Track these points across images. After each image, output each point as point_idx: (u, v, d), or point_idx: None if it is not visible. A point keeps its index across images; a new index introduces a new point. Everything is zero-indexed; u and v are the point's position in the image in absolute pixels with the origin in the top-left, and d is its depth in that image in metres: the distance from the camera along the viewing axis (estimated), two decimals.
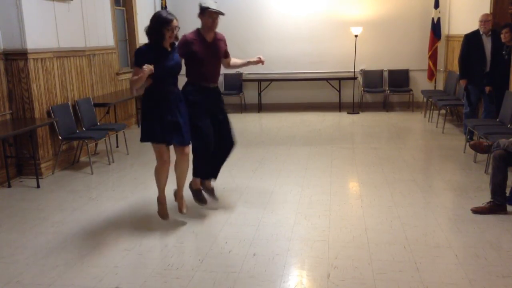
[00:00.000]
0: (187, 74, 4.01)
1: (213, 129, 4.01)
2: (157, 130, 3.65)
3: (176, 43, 3.77)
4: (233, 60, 4.29)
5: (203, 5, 3.84)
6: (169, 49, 3.68)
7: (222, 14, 3.86)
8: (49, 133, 5.56)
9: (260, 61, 4.19)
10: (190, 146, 3.86)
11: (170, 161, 3.80)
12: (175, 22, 3.58)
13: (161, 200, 3.93)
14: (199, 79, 3.97)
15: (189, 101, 3.86)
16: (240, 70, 9.51)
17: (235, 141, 4.22)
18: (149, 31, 3.61)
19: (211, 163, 4.14)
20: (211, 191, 4.35)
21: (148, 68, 3.45)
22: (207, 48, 3.94)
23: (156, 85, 3.67)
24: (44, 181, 5.25)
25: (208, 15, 3.85)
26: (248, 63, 4.28)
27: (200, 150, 3.94)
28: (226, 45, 4.14)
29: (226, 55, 4.19)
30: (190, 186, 4.22)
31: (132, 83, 3.56)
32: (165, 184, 3.89)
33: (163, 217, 3.93)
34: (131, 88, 3.71)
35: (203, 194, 4.24)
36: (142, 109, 3.77)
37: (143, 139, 3.72)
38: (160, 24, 3.54)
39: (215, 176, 4.34)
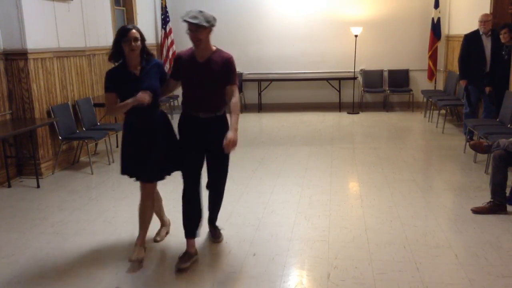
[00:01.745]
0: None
1: (207, 166, 3.33)
2: (123, 162, 3.28)
3: (154, 61, 3.24)
4: (233, 100, 3.21)
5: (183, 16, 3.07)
6: (138, 72, 3.15)
7: (202, 25, 3.02)
8: (49, 133, 5.56)
9: (228, 143, 3.07)
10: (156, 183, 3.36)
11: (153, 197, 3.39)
12: (134, 33, 3.07)
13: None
14: (187, 107, 3.25)
15: (178, 130, 3.30)
16: (240, 70, 9.53)
17: (221, 189, 3.48)
18: (111, 50, 3.16)
19: (198, 213, 3.30)
20: (213, 230, 3.64)
21: (143, 97, 3.03)
22: (195, 69, 3.15)
23: (126, 115, 3.21)
24: (44, 181, 5.25)
25: (188, 28, 3.05)
26: (231, 123, 3.18)
27: (184, 192, 3.26)
28: (227, 70, 3.18)
29: (227, 81, 3.20)
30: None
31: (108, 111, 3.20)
32: (158, 212, 3.61)
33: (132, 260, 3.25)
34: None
35: (187, 256, 3.22)
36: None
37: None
38: (118, 36, 3.11)
39: (210, 219, 3.61)
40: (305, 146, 6.54)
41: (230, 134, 3.07)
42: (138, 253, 3.21)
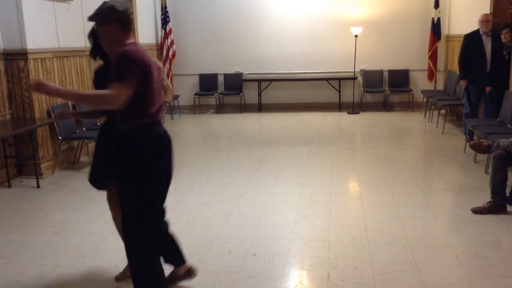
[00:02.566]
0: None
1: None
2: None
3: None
4: None
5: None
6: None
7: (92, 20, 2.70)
8: (49, 133, 5.56)
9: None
10: None
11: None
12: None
13: None
14: (151, 118, 2.51)
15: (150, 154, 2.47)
16: (240, 70, 9.54)
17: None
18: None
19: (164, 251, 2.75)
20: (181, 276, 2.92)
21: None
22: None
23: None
24: (44, 181, 5.25)
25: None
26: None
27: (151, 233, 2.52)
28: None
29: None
30: None
31: None
32: None
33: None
34: None
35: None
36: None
37: None
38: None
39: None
40: (305, 146, 6.54)
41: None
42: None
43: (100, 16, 2.56)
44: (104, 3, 2.56)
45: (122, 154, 2.45)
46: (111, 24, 2.55)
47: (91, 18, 2.57)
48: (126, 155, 2.44)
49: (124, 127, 2.46)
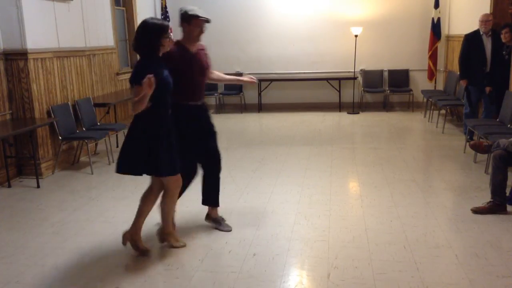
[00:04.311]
0: (173, 93, 3.28)
1: (204, 149, 3.64)
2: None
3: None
4: (218, 74, 3.82)
5: (190, 12, 3.38)
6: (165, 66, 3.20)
7: (209, 21, 3.46)
8: (49, 133, 5.56)
9: (252, 82, 3.82)
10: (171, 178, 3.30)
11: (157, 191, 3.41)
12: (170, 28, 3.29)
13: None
14: (186, 98, 3.45)
15: (179, 127, 3.35)
16: (240, 70, 9.52)
17: (220, 158, 3.72)
18: (144, 42, 3.08)
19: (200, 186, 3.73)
20: (217, 221, 3.82)
21: (149, 79, 2.89)
22: (191, 60, 3.46)
23: (155, 107, 3.15)
24: (44, 181, 5.25)
25: (196, 24, 3.40)
26: (238, 81, 4.07)
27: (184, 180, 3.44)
28: (208, 56, 3.67)
29: (209, 67, 3.68)
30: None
31: (136, 106, 3.00)
32: (167, 214, 3.45)
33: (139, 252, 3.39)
34: (134, 109, 3.05)
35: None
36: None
37: None
38: (159, 32, 3.07)
39: (211, 202, 3.82)
40: (305, 146, 6.54)
41: (246, 76, 3.71)
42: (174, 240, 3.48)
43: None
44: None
45: (210, 116, 3.69)
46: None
47: (208, 20, 3.44)
48: (210, 118, 3.69)
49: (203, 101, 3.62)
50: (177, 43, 3.46)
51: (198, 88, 3.54)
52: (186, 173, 3.46)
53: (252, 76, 3.85)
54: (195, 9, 3.42)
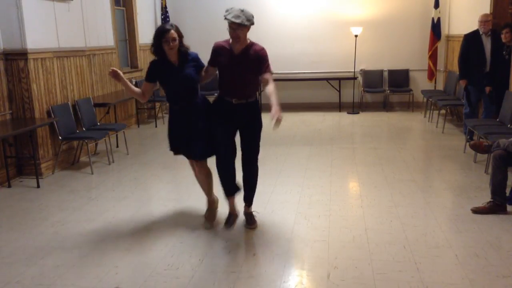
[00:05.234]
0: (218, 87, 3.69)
1: (240, 139, 3.72)
2: (170, 141, 3.80)
3: (191, 55, 3.60)
4: (269, 87, 3.52)
5: (224, 13, 3.40)
6: (177, 63, 3.54)
7: (244, 24, 3.34)
8: (49, 133, 5.56)
9: (276, 120, 3.45)
10: (206, 161, 3.77)
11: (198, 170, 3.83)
12: (172, 33, 3.40)
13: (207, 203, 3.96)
14: (222, 93, 3.66)
15: (211, 110, 3.69)
16: None
17: (254, 167, 3.81)
18: (152, 47, 3.52)
19: (230, 176, 3.76)
20: (248, 216, 3.87)
21: (111, 71, 3.51)
22: (232, 60, 3.51)
23: (168, 101, 3.74)
24: (44, 181, 5.25)
25: (228, 25, 3.40)
26: (271, 104, 3.49)
27: (217, 160, 3.71)
28: (262, 61, 3.50)
29: (261, 71, 3.52)
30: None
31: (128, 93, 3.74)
32: (207, 189, 3.88)
33: (207, 221, 3.89)
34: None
35: (232, 218, 3.85)
36: None
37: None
38: (157, 36, 3.44)
39: (245, 197, 3.87)
40: (305, 146, 6.54)
41: (274, 110, 3.41)
42: (209, 217, 3.89)
43: (248, 19, 3.36)
44: (243, 10, 3.36)
45: (248, 115, 3.67)
46: (249, 27, 3.43)
47: (239, 20, 3.32)
48: (251, 116, 3.69)
49: (250, 100, 3.65)
50: (228, 40, 3.54)
51: (233, 88, 3.58)
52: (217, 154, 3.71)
53: (280, 116, 3.45)
54: (231, 10, 3.37)
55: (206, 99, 3.77)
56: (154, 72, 3.59)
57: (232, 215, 3.85)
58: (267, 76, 3.53)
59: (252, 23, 3.41)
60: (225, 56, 3.52)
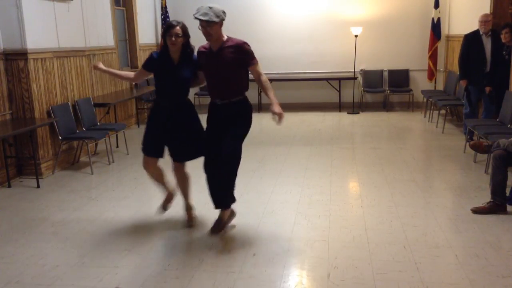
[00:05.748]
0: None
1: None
2: (146, 140, 3.74)
3: (195, 57, 3.61)
4: (262, 78, 3.49)
5: (194, 13, 3.39)
6: (176, 61, 3.56)
7: (212, 21, 3.29)
8: (49, 133, 5.56)
9: (278, 117, 3.46)
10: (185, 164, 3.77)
11: (155, 167, 3.83)
12: (176, 30, 3.45)
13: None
14: (209, 95, 3.63)
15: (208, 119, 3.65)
16: None
17: (228, 156, 3.59)
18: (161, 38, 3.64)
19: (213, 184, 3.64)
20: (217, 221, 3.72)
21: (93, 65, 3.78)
22: (211, 59, 3.48)
23: (156, 96, 3.75)
24: (44, 181, 5.24)
25: (199, 24, 3.38)
26: (270, 102, 3.53)
27: (204, 166, 3.61)
28: (242, 53, 3.45)
29: (244, 64, 3.48)
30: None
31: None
32: (158, 180, 3.92)
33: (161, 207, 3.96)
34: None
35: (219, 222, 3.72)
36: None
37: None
38: (164, 30, 3.56)
39: (216, 203, 3.66)
40: (305, 146, 6.54)
41: (274, 109, 3.41)
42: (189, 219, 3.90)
43: (217, 15, 3.33)
44: (211, 7, 3.34)
45: (233, 115, 3.52)
46: (221, 23, 3.40)
47: (207, 17, 3.30)
48: (236, 116, 3.54)
49: (234, 99, 3.52)
50: (209, 43, 3.52)
51: (215, 87, 3.53)
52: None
53: (282, 113, 3.48)
54: (198, 8, 3.39)
55: (191, 104, 3.73)
56: (152, 63, 3.61)
57: (219, 219, 3.69)
58: (255, 68, 3.49)
59: (223, 19, 3.37)
60: (206, 56, 3.52)
